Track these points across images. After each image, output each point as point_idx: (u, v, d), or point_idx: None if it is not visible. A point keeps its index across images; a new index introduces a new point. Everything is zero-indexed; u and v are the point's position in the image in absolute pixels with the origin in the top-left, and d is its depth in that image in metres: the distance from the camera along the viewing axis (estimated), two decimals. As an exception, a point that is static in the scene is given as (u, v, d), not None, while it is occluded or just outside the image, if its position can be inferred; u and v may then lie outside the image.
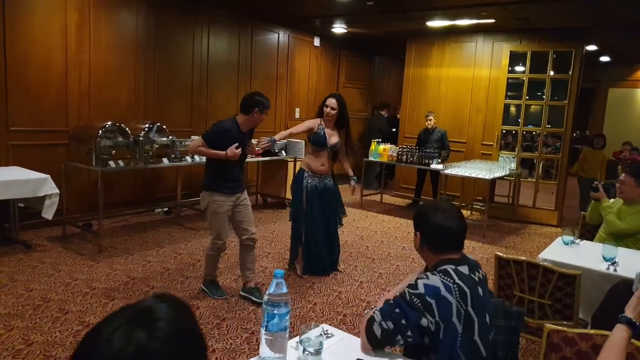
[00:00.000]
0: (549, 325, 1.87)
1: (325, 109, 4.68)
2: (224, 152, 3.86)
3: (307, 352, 1.71)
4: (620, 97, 12.72)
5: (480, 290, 1.87)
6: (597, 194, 3.86)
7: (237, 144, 3.88)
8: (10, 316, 3.60)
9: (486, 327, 1.84)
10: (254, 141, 4.32)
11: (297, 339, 1.77)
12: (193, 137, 6.25)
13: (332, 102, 4.67)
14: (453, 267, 1.88)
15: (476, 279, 1.90)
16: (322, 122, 4.70)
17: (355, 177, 4.99)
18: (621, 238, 3.59)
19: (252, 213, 4.23)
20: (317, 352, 1.72)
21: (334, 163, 4.95)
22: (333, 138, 4.73)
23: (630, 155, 9.45)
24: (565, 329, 1.84)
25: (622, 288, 2.47)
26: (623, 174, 3.72)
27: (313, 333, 1.75)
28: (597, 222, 3.95)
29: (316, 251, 4.78)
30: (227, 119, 4.06)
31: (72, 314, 3.70)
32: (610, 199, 3.91)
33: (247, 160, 6.95)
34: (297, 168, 7.31)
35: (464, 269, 1.88)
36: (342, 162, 5.01)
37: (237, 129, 3.97)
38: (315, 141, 4.69)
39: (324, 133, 4.68)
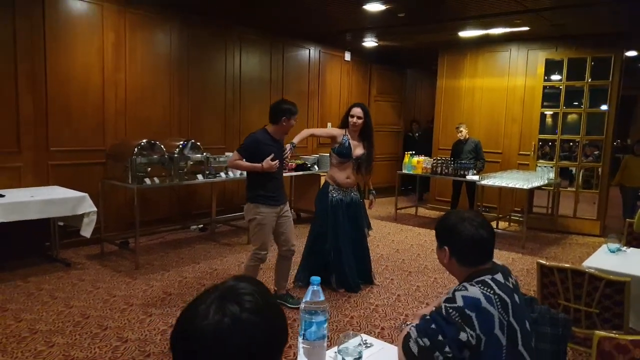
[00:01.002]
0: (599, 333, 1.77)
1: (350, 119, 4.52)
2: (260, 165, 3.88)
3: None
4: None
5: (516, 297, 1.77)
6: None
7: (272, 155, 3.89)
8: (51, 333, 3.66)
9: (528, 334, 1.75)
10: None
11: (335, 348, 1.72)
12: (227, 154, 6.34)
13: (357, 111, 4.53)
14: (490, 276, 1.77)
15: (510, 285, 1.80)
16: (347, 133, 4.58)
17: (374, 191, 4.88)
18: None
19: (293, 224, 4.24)
20: (357, 361, 1.66)
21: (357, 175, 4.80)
22: (358, 149, 4.59)
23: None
24: (616, 335, 1.73)
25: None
26: None
27: (352, 343, 1.70)
28: None
29: (347, 266, 4.67)
30: (258, 130, 4.10)
31: (110, 330, 3.74)
32: None
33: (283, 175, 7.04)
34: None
35: (500, 277, 1.78)
36: (364, 175, 4.79)
37: (270, 138, 4.00)
38: (340, 152, 4.55)
39: (349, 144, 4.54)
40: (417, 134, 10.86)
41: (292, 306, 4.10)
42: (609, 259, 3.26)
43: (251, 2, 6.09)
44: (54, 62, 5.47)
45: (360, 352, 1.67)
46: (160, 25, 6.45)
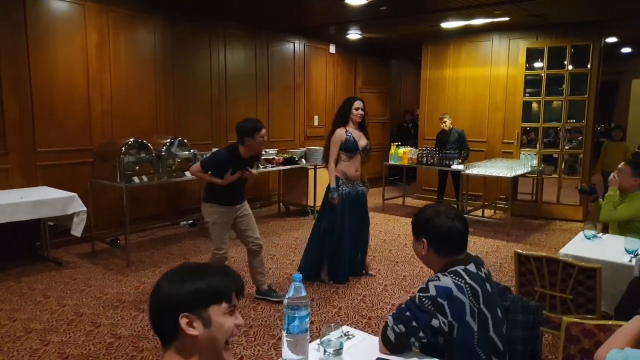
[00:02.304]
0: (567, 319, 1.89)
1: (355, 111, 4.67)
2: (220, 181, 4.00)
3: (328, 353, 1.75)
4: (645, 89, 12.50)
5: (488, 285, 1.89)
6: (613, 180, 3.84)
7: (230, 170, 3.99)
8: (45, 331, 3.73)
9: (499, 321, 1.87)
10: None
11: (318, 340, 1.82)
12: (214, 149, 6.38)
13: (359, 104, 4.70)
14: (462, 267, 1.89)
15: (483, 275, 1.92)
16: (347, 128, 4.70)
17: (367, 183, 5.00)
18: (626, 228, 3.59)
19: (254, 220, 4.32)
20: (338, 353, 1.76)
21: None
22: (362, 140, 4.75)
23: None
24: (583, 321, 1.85)
25: (643, 280, 2.45)
26: (622, 163, 3.75)
27: (334, 335, 1.80)
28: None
29: (343, 260, 4.81)
30: (227, 147, 4.19)
31: (104, 327, 3.81)
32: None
33: (270, 169, 7.11)
34: (318, 175, 7.41)
35: (472, 267, 1.90)
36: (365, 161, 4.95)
37: (237, 157, 4.05)
38: (347, 148, 4.67)
39: (353, 138, 4.68)
40: (410, 124, 10.95)
41: (275, 300, 4.22)
42: (585, 245, 3.39)
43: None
44: (37, 64, 5.47)
45: (341, 344, 1.77)
46: (144, 23, 6.45)
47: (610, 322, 1.84)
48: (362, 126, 4.78)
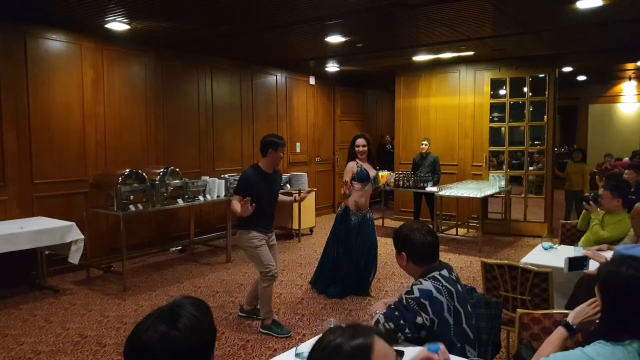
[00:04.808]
0: (520, 310, 2.32)
1: (356, 148, 5.27)
2: (238, 210, 4.07)
3: None
4: (601, 112, 13.35)
5: (459, 286, 2.32)
6: (590, 207, 4.34)
7: (248, 199, 4.04)
8: (54, 353, 3.99)
9: (469, 315, 2.29)
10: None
11: (321, 334, 2.18)
12: (204, 178, 6.76)
13: (361, 141, 5.29)
14: (437, 272, 2.31)
15: (454, 278, 2.34)
16: (358, 162, 5.27)
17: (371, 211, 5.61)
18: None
19: (277, 251, 4.63)
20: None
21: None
22: (371, 171, 5.34)
23: (612, 165, 9.94)
24: (532, 311, 2.28)
25: (585, 281, 2.92)
26: (601, 189, 4.23)
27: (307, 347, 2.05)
28: (587, 228, 4.41)
29: (350, 282, 5.35)
30: (248, 168, 4.45)
31: (109, 347, 4.09)
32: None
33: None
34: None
35: (445, 272, 2.32)
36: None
37: (261, 172, 4.33)
38: (360, 178, 5.23)
39: (365, 169, 5.27)
40: (389, 146, 11.40)
41: (279, 336, 4.26)
42: (542, 255, 3.89)
43: (222, 37, 6.57)
44: (36, 99, 5.79)
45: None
46: (136, 59, 6.85)
47: (553, 311, 2.28)
48: (370, 159, 5.38)
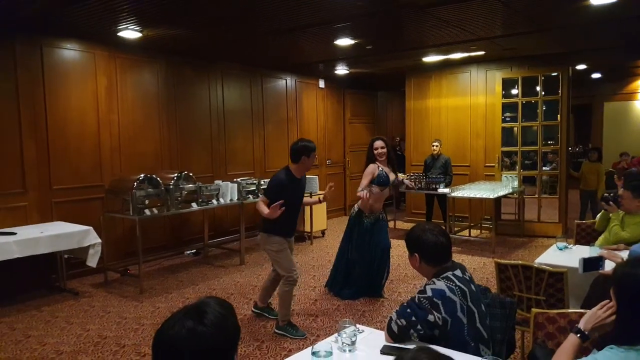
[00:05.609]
0: (535, 309, 2.34)
1: (375, 151, 5.18)
2: (267, 211, 4.06)
3: (344, 343, 2.18)
4: (616, 110, 13.18)
5: (472, 286, 2.34)
6: (611, 207, 4.23)
7: (281, 202, 4.00)
8: (75, 353, 4.09)
9: (484, 315, 2.31)
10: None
11: (335, 334, 2.25)
12: (217, 182, 6.84)
13: (379, 143, 5.21)
14: (451, 272, 2.34)
15: (467, 278, 2.37)
16: (379, 165, 5.21)
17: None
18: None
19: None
20: (353, 343, 2.19)
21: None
22: (391, 175, 5.29)
23: (629, 163, 9.83)
24: (547, 310, 2.30)
25: (601, 281, 2.93)
26: (621, 189, 4.13)
27: (349, 329, 2.23)
28: (605, 228, 4.35)
29: (364, 283, 5.36)
30: (280, 170, 4.34)
31: (128, 347, 4.18)
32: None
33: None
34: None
35: (458, 272, 2.35)
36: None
37: (292, 177, 4.28)
38: (380, 182, 5.14)
39: (385, 173, 5.20)
40: (398, 149, 11.41)
41: (294, 337, 4.29)
42: (557, 255, 3.88)
43: (231, 43, 6.65)
44: (53, 108, 5.92)
45: (355, 335, 2.21)
46: (148, 66, 6.96)
47: (569, 310, 2.30)
48: (390, 162, 5.32)
